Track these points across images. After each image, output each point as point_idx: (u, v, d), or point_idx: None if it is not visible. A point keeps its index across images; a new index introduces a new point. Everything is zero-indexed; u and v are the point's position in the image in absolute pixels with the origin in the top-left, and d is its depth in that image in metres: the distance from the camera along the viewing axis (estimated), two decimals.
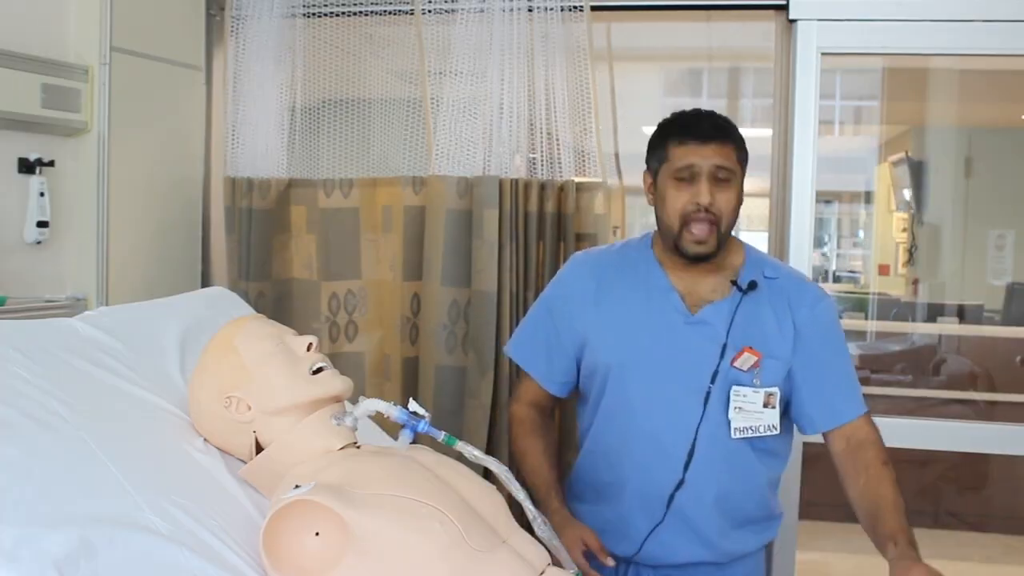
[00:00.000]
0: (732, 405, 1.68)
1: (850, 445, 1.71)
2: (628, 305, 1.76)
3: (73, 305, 2.19)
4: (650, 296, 1.75)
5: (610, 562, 1.63)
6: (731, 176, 1.66)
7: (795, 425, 1.79)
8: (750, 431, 1.68)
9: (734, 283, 1.72)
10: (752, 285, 1.71)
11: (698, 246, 1.67)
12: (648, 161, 1.75)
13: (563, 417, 2.29)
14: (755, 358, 1.68)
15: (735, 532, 1.74)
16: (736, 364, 1.68)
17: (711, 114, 1.71)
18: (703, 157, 1.64)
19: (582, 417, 1.85)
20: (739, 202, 1.69)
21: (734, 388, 1.68)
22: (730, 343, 1.68)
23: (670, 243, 1.71)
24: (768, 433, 1.70)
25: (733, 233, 1.76)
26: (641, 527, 1.72)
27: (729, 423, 1.68)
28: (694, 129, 1.67)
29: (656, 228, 1.77)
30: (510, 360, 2.05)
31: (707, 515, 1.71)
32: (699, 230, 1.65)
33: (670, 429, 1.70)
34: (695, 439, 1.68)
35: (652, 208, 1.76)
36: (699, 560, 1.73)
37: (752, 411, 1.68)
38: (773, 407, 1.69)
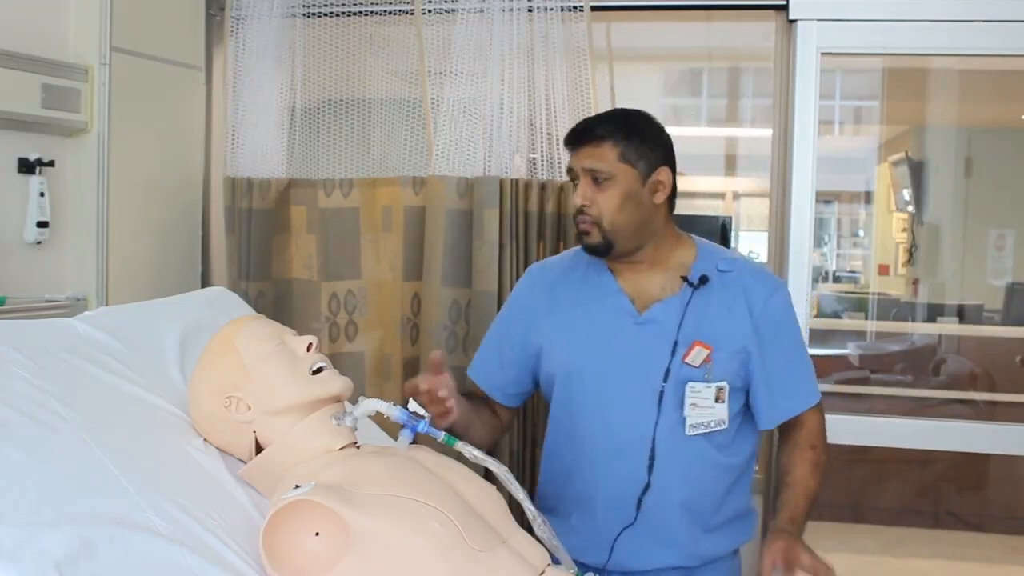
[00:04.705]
0: (688, 401, 1.67)
1: (788, 424, 1.80)
2: (579, 311, 1.77)
3: (73, 305, 2.19)
4: (600, 300, 1.76)
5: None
6: (607, 176, 1.68)
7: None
8: (702, 427, 1.68)
9: (684, 279, 1.72)
10: (703, 280, 1.72)
11: (584, 237, 1.73)
12: None
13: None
14: (706, 351, 1.68)
15: (707, 535, 1.73)
16: (688, 360, 1.68)
17: (593, 119, 1.77)
18: (577, 161, 1.72)
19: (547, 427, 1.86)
20: (624, 201, 1.68)
21: (689, 384, 1.67)
22: (680, 340, 1.68)
23: None
24: (717, 428, 1.69)
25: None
26: (611, 534, 1.70)
27: (684, 420, 1.68)
28: (570, 136, 1.75)
29: None
30: None
31: (676, 518, 1.70)
32: (581, 226, 1.72)
33: (628, 432, 1.69)
34: (654, 440, 1.67)
35: None
36: (670, 565, 1.72)
37: (705, 407, 1.68)
38: (723, 401, 1.68)
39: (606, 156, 1.68)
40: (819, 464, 1.75)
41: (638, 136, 1.70)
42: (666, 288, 1.73)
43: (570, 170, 1.74)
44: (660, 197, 1.72)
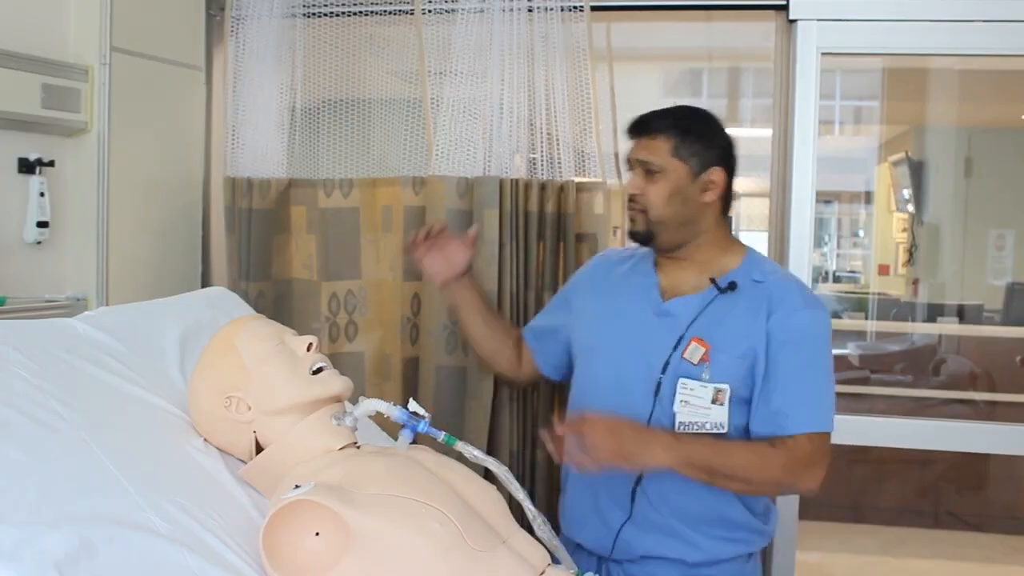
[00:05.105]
0: (678, 398, 1.66)
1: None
2: (613, 296, 1.82)
3: (73, 305, 2.19)
4: (634, 289, 1.80)
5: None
6: (657, 169, 1.72)
7: None
8: (695, 427, 1.66)
9: (712, 281, 1.73)
10: (731, 285, 1.71)
11: (630, 224, 1.78)
12: None
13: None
14: (703, 349, 1.67)
15: (706, 537, 1.71)
16: (685, 355, 1.68)
17: (655, 111, 1.79)
18: (633, 151, 1.77)
19: None
20: (672, 195, 1.72)
21: (681, 380, 1.67)
22: (687, 336, 1.69)
23: None
24: (715, 431, 1.66)
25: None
26: (613, 521, 1.72)
27: (674, 416, 1.67)
28: (631, 126, 1.79)
29: None
30: None
31: (669, 515, 1.70)
32: (629, 213, 1.78)
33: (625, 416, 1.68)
34: None
35: None
36: (672, 556, 1.71)
37: (699, 406, 1.66)
38: (722, 404, 1.66)
39: (659, 150, 1.73)
40: (766, 458, 1.62)
41: (694, 134, 1.74)
42: (697, 288, 1.75)
43: (628, 159, 1.79)
44: (710, 196, 1.75)
